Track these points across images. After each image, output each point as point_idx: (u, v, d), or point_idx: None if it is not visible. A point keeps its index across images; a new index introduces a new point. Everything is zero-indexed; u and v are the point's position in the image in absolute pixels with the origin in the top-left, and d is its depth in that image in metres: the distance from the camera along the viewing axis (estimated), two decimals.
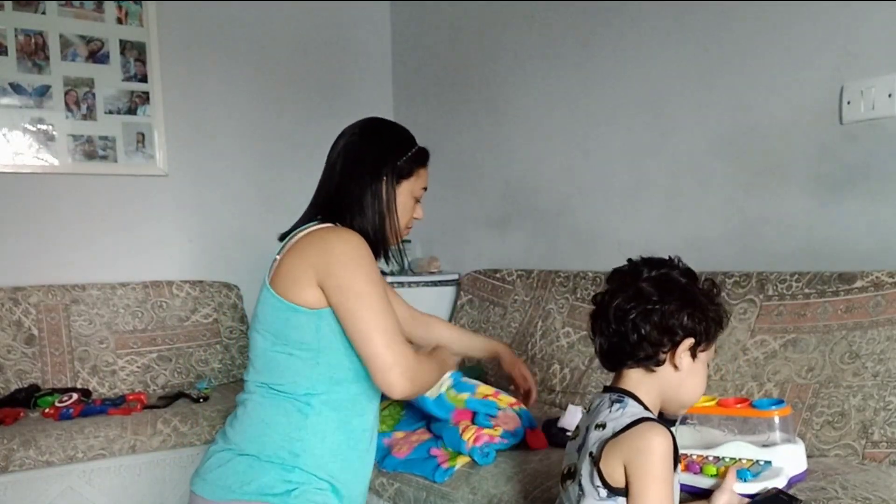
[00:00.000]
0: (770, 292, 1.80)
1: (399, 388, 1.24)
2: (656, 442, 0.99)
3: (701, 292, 1.11)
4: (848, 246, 1.82)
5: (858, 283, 1.65)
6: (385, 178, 1.35)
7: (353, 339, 1.25)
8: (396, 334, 1.25)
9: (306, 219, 1.37)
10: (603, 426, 1.05)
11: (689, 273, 1.13)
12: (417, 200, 1.43)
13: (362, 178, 1.34)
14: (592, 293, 2.24)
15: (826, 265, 1.81)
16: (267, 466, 1.24)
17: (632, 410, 1.05)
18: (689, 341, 1.08)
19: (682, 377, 1.09)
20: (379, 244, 1.36)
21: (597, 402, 1.12)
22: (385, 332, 1.24)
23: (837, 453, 1.55)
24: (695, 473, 1.30)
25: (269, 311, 1.29)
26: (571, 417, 1.78)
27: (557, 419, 1.83)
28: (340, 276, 1.24)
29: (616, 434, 1.02)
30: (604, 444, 1.02)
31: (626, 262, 1.16)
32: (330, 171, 1.37)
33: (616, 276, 1.14)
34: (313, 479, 1.26)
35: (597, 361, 2.11)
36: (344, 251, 1.26)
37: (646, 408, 1.07)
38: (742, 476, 1.25)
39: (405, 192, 1.39)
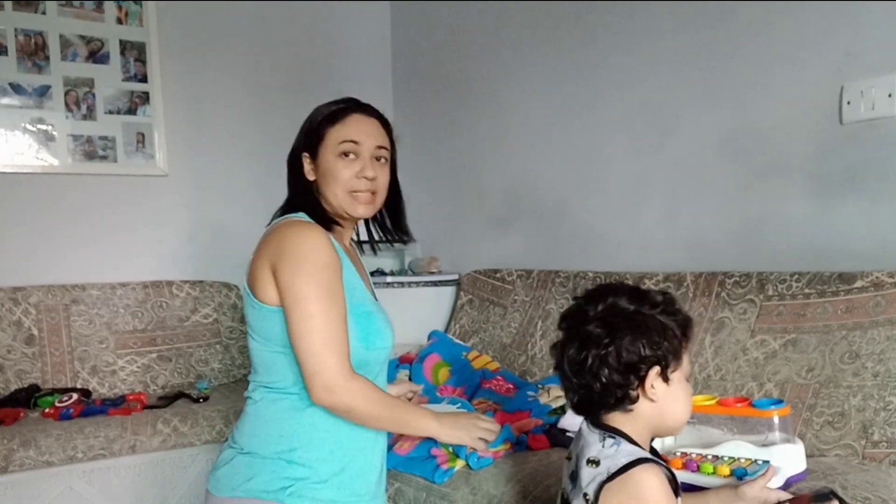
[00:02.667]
0: (770, 292, 1.80)
1: (316, 397, 1.22)
2: (652, 486, 0.96)
3: (654, 309, 1.03)
4: (848, 246, 1.82)
5: (858, 283, 1.65)
6: (304, 158, 1.38)
7: (290, 340, 1.24)
8: (326, 343, 1.21)
9: (275, 217, 1.40)
10: (596, 462, 1.00)
11: (635, 293, 1.05)
12: (345, 155, 1.34)
13: (293, 168, 1.39)
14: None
15: (826, 265, 1.81)
16: (265, 464, 1.25)
17: (627, 449, 1.00)
18: (655, 370, 1.02)
19: (661, 406, 1.04)
20: (339, 221, 1.36)
21: (586, 436, 1.06)
22: (312, 337, 1.20)
23: (837, 453, 1.54)
24: (692, 472, 1.31)
25: (249, 310, 1.32)
26: (571, 418, 1.78)
27: (557, 420, 1.83)
28: (285, 275, 1.24)
29: (612, 476, 0.97)
30: (600, 486, 0.98)
31: (573, 302, 1.08)
32: None
33: (564, 322, 1.08)
34: (313, 473, 1.26)
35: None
36: (293, 249, 1.25)
37: (639, 446, 1.03)
38: (738, 475, 1.25)
39: (326, 157, 1.34)
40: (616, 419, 1.05)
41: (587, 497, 1.00)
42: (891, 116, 1.73)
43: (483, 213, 2.98)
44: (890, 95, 1.72)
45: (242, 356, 2.92)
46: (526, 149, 2.76)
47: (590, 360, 1.01)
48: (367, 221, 1.48)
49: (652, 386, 1.02)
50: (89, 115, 2.82)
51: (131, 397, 2.44)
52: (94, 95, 2.83)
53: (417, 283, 2.90)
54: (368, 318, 1.33)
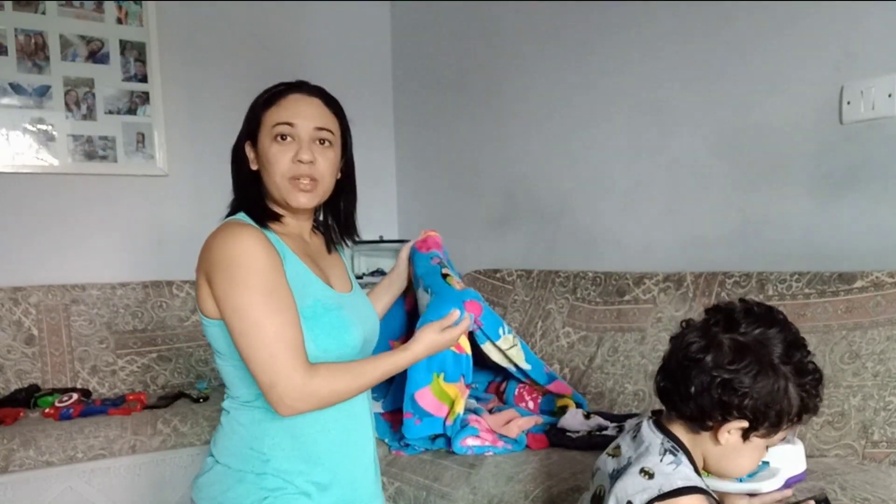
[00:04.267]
0: (770, 292, 1.80)
1: (281, 408, 1.14)
2: None
3: (795, 377, 0.95)
4: (848, 246, 1.82)
5: (858, 283, 1.65)
6: (247, 146, 1.29)
7: (239, 355, 1.17)
8: (277, 351, 1.13)
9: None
10: (651, 475, 0.96)
11: (793, 348, 0.96)
12: (282, 138, 1.24)
13: (237, 161, 1.30)
14: (592, 293, 2.26)
15: (826, 265, 1.81)
16: (239, 476, 1.21)
17: (685, 472, 0.96)
18: (742, 423, 0.96)
19: (723, 452, 0.99)
20: (287, 214, 1.27)
21: (648, 438, 1.02)
22: (260, 348, 1.13)
23: (837, 453, 1.55)
24: None
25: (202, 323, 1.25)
26: (571, 419, 1.78)
27: (557, 420, 1.83)
28: (220, 286, 1.16)
29: (662, 496, 0.94)
30: (649, 501, 0.94)
31: (735, 301, 1.00)
32: None
33: (713, 312, 1.00)
34: (289, 484, 1.20)
35: (597, 361, 2.12)
36: (224, 258, 1.17)
37: (696, 468, 0.99)
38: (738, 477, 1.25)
39: (263, 142, 1.25)
40: (682, 430, 1.01)
41: None
42: (891, 116, 1.73)
43: (483, 213, 2.98)
44: (890, 95, 1.72)
45: None
46: (526, 149, 2.76)
47: (698, 366, 0.95)
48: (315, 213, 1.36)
49: (728, 432, 0.97)
50: (89, 115, 2.82)
51: (131, 397, 2.45)
52: (94, 95, 2.83)
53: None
54: (325, 316, 1.23)
